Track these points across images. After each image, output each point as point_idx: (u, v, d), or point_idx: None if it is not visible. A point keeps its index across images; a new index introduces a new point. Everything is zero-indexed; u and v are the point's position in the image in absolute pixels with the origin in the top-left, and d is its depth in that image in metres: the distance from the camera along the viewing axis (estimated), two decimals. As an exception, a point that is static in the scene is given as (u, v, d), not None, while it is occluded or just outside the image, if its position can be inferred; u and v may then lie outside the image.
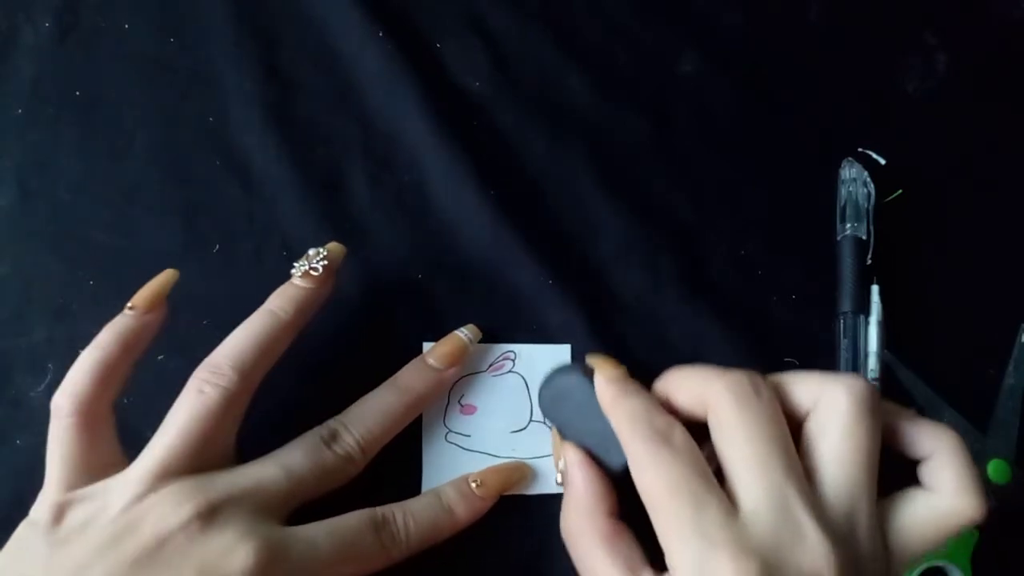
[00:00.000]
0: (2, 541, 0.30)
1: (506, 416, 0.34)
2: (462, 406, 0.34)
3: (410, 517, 0.30)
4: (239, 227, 0.35)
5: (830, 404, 0.26)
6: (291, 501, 0.28)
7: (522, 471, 0.33)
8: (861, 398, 0.26)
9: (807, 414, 0.27)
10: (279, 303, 0.30)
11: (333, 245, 0.32)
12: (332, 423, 0.30)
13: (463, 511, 0.31)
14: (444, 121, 0.36)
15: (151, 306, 0.29)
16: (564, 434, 0.32)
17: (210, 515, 0.26)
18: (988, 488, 0.34)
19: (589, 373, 0.32)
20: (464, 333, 0.34)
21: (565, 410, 0.32)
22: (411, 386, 0.32)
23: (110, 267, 0.34)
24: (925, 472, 0.27)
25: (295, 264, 0.31)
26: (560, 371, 0.33)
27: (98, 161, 0.35)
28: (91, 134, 0.35)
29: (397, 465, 0.32)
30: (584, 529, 0.29)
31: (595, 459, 0.31)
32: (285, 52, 0.37)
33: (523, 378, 0.34)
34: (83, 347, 0.32)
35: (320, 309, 0.31)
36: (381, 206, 0.36)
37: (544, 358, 0.35)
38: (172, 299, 0.33)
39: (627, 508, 0.28)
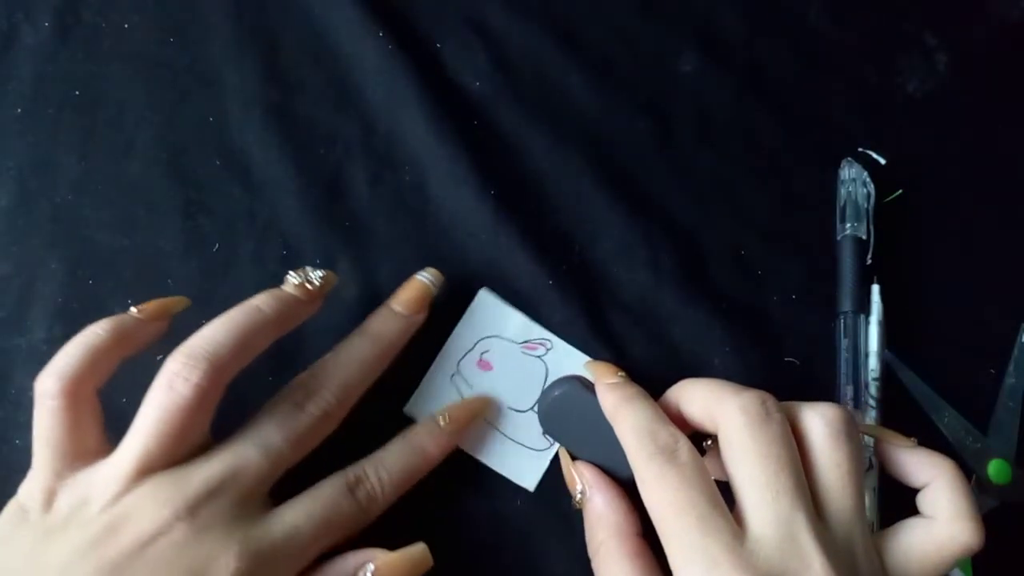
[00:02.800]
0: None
1: (514, 392, 0.34)
2: (481, 359, 0.34)
3: (383, 469, 0.30)
4: (239, 227, 0.35)
5: (807, 433, 0.27)
6: (271, 477, 0.28)
7: (486, 403, 0.33)
8: (834, 426, 0.27)
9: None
10: (265, 300, 0.29)
11: (330, 272, 0.32)
12: (304, 380, 0.30)
13: (434, 449, 0.31)
14: (444, 121, 0.36)
15: (155, 316, 0.30)
16: (571, 450, 0.32)
17: (190, 515, 0.26)
18: (988, 488, 0.34)
19: (587, 383, 0.32)
20: (425, 276, 0.33)
21: (568, 425, 0.32)
22: (380, 333, 0.31)
23: (110, 267, 0.34)
24: (923, 500, 0.28)
25: (291, 272, 0.31)
26: (556, 385, 0.33)
27: (98, 161, 0.35)
28: (91, 134, 0.35)
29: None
30: (611, 550, 0.29)
31: (606, 471, 0.31)
32: (285, 52, 0.37)
33: (547, 368, 0.34)
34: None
35: (298, 325, 0.31)
36: (381, 206, 0.36)
37: (574, 362, 0.34)
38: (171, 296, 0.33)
39: (646, 519, 0.27)
